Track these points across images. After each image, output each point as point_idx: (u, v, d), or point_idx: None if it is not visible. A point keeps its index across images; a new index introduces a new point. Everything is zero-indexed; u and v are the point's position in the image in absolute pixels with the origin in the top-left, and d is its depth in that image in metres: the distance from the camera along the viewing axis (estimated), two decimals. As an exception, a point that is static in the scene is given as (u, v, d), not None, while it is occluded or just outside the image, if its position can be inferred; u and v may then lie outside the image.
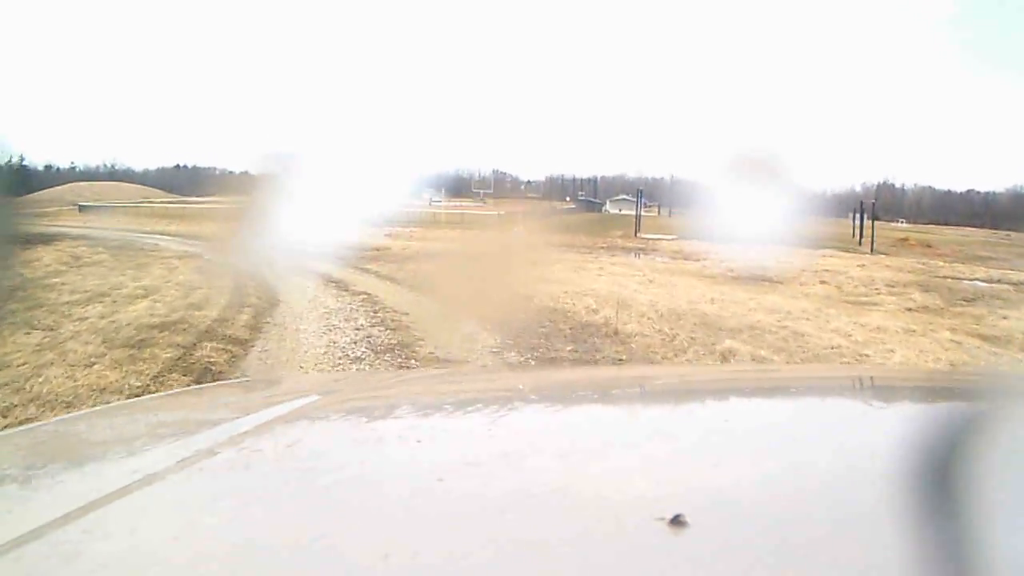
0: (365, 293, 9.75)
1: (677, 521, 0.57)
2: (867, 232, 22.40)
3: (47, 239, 14.65)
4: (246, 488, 0.76)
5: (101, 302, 8.60)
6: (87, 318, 7.59)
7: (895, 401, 1.22)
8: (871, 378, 1.60)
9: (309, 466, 0.84)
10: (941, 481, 0.68)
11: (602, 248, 18.94)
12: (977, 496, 0.63)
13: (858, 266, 15.92)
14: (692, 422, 1.06)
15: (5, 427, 4.00)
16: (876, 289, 12.50)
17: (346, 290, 10.04)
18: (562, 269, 12.10)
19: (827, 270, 14.36)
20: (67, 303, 8.42)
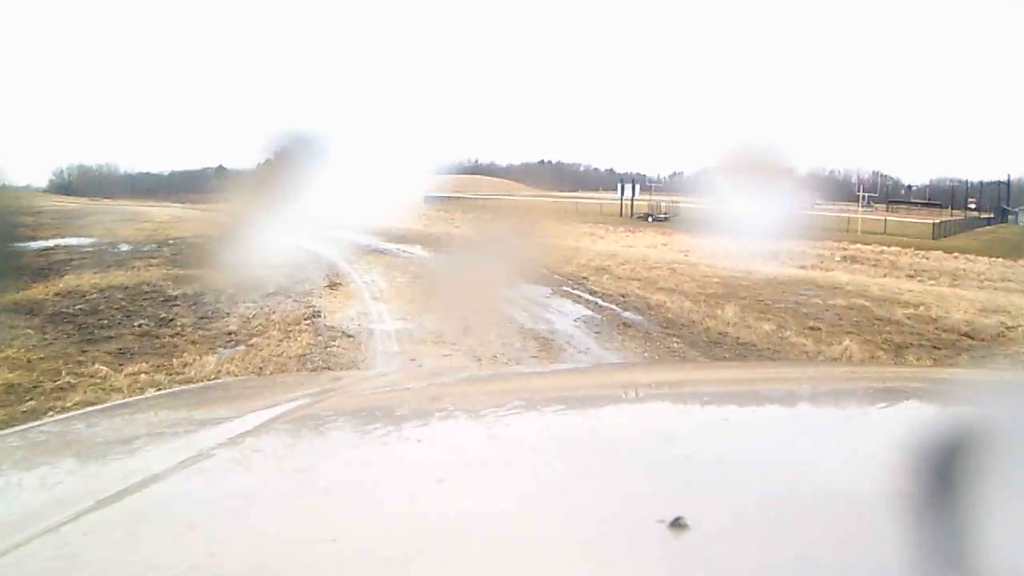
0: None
1: (677, 523, 0.57)
2: None
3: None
4: (246, 488, 0.76)
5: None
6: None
7: (895, 401, 1.22)
8: (871, 378, 1.60)
9: (309, 466, 0.84)
10: (942, 481, 0.68)
11: None
12: (978, 496, 0.63)
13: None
14: (692, 422, 1.06)
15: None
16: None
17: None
18: None
19: None
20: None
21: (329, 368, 5.87)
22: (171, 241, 14.87)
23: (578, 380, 1.63)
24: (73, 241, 14.93)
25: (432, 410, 1.21)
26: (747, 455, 0.81)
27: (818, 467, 0.77)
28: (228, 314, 7.75)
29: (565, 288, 10.23)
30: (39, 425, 1.17)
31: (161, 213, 25.39)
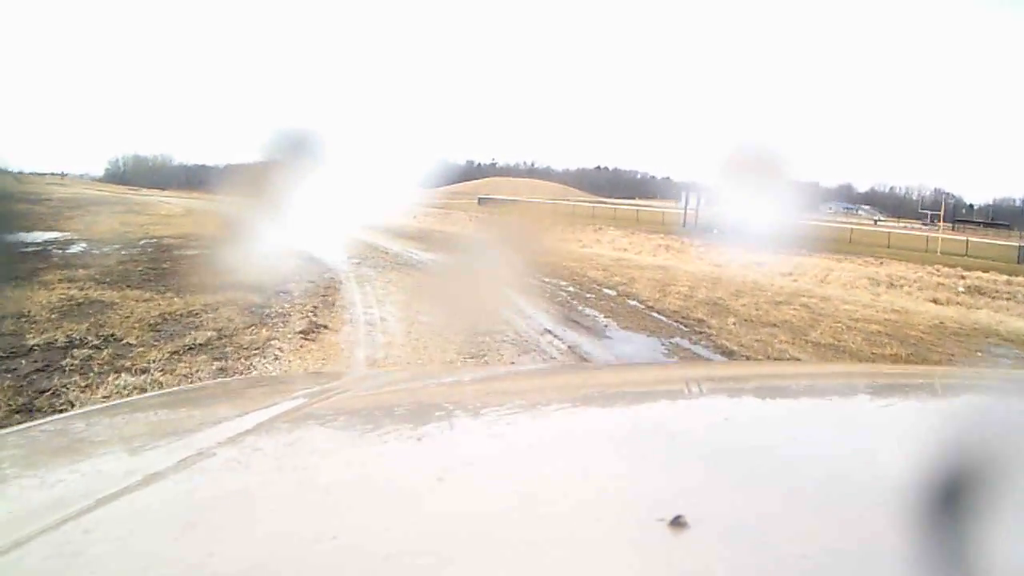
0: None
1: (677, 522, 0.57)
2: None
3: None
4: (246, 488, 0.76)
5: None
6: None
7: (895, 401, 1.22)
8: (871, 378, 1.60)
9: (309, 466, 0.84)
10: (943, 480, 0.68)
11: None
12: (978, 496, 0.63)
13: None
14: (692, 422, 1.06)
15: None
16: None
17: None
18: None
19: None
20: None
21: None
22: (142, 242, 12.54)
23: (578, 380, 1.63)
24: (43, 236, 12.86)
25: (432, 409, 1.21)
26: (747, 454, 0.81)
27: (818, 466, 0.77)
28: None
29: (681, 341, 7.14)
30: (39, 425, 1.17)
31: (176, 205, 24.16)
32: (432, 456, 0.83)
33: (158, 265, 9.87)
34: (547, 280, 10.46)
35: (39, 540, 0.59)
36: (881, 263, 16.96)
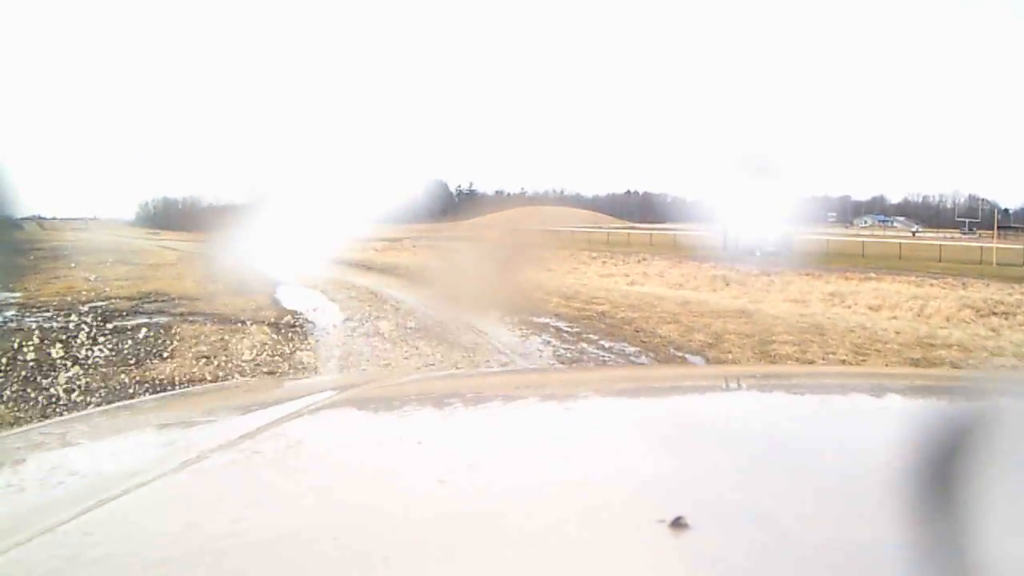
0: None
1: (678, 523, 0.57)
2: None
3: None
4: (246, 488, 0.76)
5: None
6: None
7: (895, 401, 1.22)
8: (872, 379, 1.60)
9: (309, 467, 0.84)
10: (941, 481, 0.68)
11: None
12: (977, 496, 0.63)
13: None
14: (692, 423, 1.06)
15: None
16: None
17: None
18: None
19: None
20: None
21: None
22: (86, 307, 8.18)
23: (579, 380, 1.63)
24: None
25: (432, 412, 1.21)
26: (748, 455, 0.81)
27: (819, 467, 0.77)
28: None
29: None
30: (39, 426, 1.17)
31: (177, 250, 21.78)
32: (432, 458, 0.83)
33: (46, 356, 5.99)
34: (607, 345, 8.15)
35: (39, 540, 0.59)
36: (964, 285, 14.44)
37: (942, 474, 0.70)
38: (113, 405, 1.92)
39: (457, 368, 5.88)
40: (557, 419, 1.10)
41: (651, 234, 35.38)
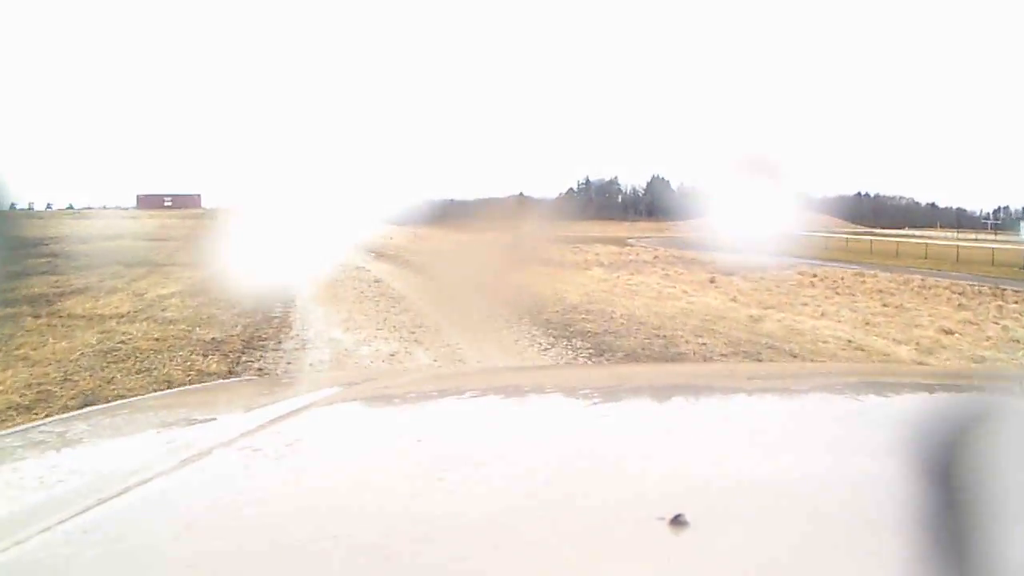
0: None
1: (678, 521, 0.57)
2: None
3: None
4: (246, 488, 0.76)
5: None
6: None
7: (895, 401, 1.22)
8: (871, 378, 1.60)
9: (309, 466, 0.84)
10: (942, 480, 0.68)
11: None
12: (978, 495, 0.63)
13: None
14: (692, 421, 1.06)
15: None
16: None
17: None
18: None
19: None
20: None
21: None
22: None
23: (579, 378, 1.63)
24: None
25: (432, 410, 1.21)
26: (748, 454, 0.81)
27: (818, 466, 0.77)
28: None
29: None
30: (39, 425, 1.17)
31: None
32: (432, 456, 0.83)
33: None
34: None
35: (39, 540, 0.59)
36: None
37: (943, 472, 0.70)
38: (113, 404, 1.92)
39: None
40: (557, 417, 1.11)
41: (898, 241, 28.65)
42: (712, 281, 13.73)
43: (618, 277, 14.96)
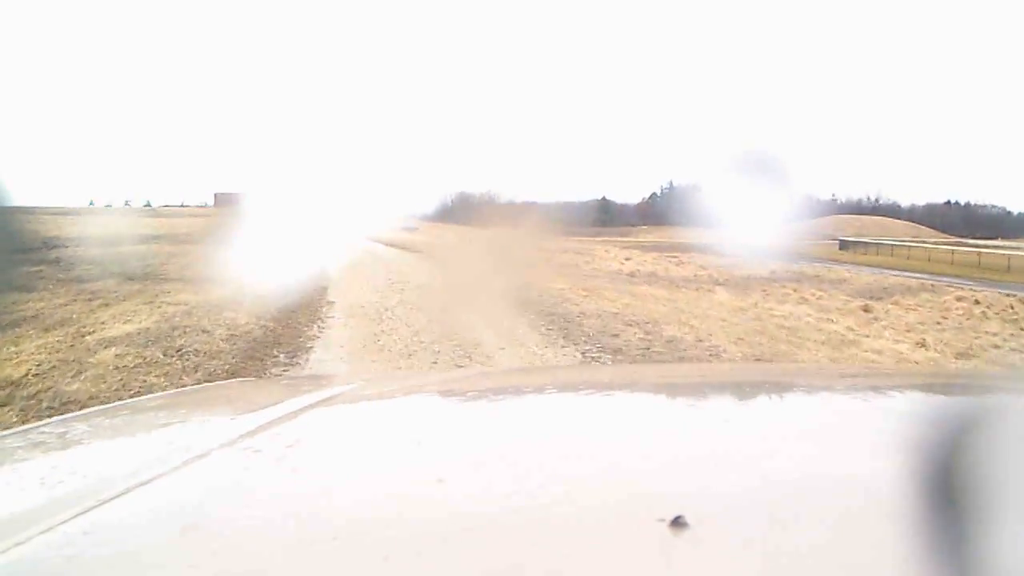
0: None
1: (678, 522, 0.57)
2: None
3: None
4: (246, 488, 0.76)
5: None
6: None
7: (895, 401, 1.22)
8: (871, 378, 1.60)
9: (309, 467, 0.84)
10: (942, 481, 0.68)
11: None
12: (978, 496, 0.63)
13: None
14: (692, 422, 1.06)
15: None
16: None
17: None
18: None
19: None
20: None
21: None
22: None
23: (578, 379, 1.63)
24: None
25: (432, 411, 1.21)
26: (748, 454, 0.81)
27: (819, 467, 0.77)
28: None
29: None
30: (39, 425, 1.17)
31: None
32: (432, 457, 0.84)
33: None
34: None
35: (39, 541, 0.59)
36: None
37: (944, 473, 0.70)
38: (113, 405, 1.92)
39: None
40: (556, 418, 1.11)
41: (1008, 256, 25.69)
42: (866, 310, 11.61)
43: (756, 305, 12.03)
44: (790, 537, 0.60)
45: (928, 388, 1.35)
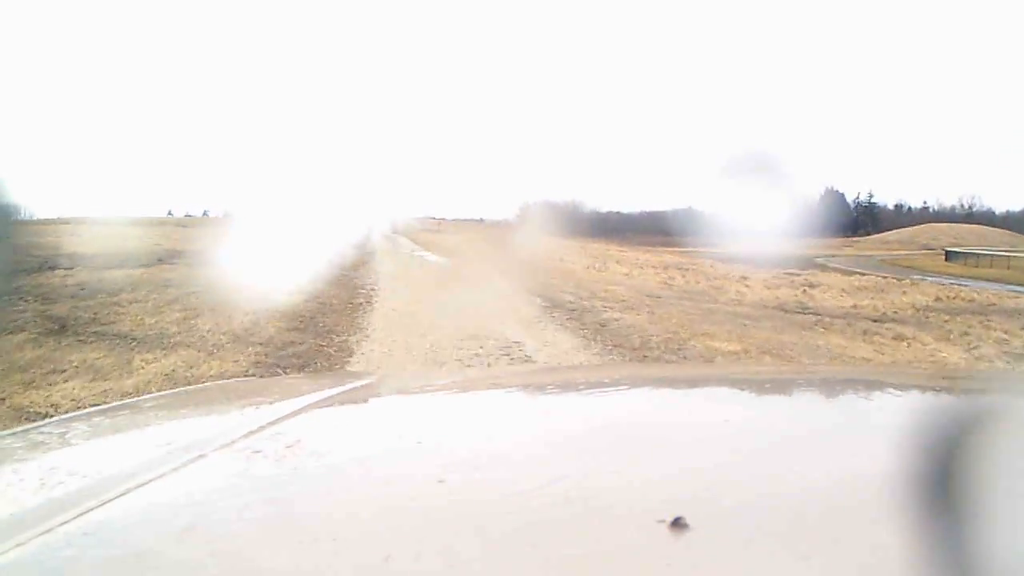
0: None
1: (678, 523, 0.57)
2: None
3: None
4: (246, 488, 0.76)
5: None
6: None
7: (895, 401, 1.22)
8: (871, 378, 1.60)
9: (309, 466, 0.84)
10: (941, 481, 0.68)
11: None
12: (977, 496, 0.63)
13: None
14: (692, 423, 1.06)
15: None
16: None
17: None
18: None
19: None
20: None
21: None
22: None
23: (578, 380, 1.63)
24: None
25: (432, 410, 1.21)
26: (748, 455, 0.81)
27: (819, 467, 0.77)
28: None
29: None
30: (39, 426, 1.17)
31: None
32: (433, 457, 0.84)
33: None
34: None
35: (39, 541, 0.59)
36: None
37: (943, 473, 0.70)
38: (113, 405, 1.92)
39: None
40: (557, 418, 1.10)
41: None
42: None
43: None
44: (790, 538, 0.60)
45: (928, 388, 1.35)
